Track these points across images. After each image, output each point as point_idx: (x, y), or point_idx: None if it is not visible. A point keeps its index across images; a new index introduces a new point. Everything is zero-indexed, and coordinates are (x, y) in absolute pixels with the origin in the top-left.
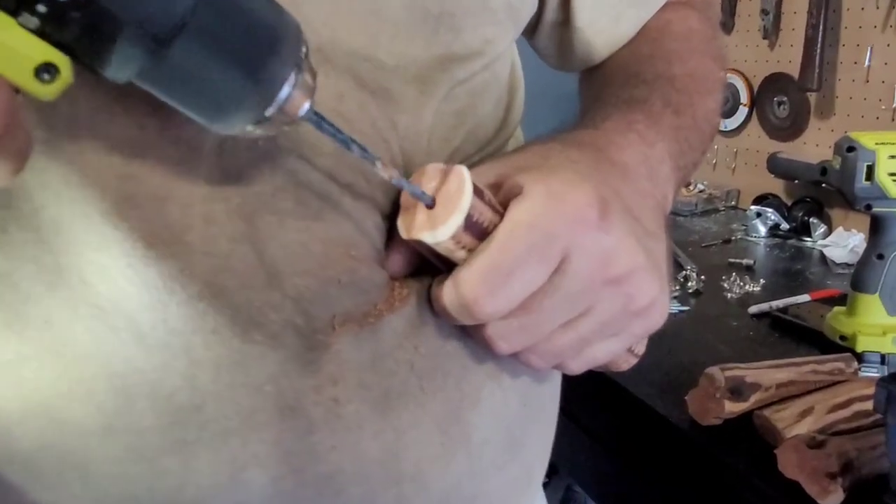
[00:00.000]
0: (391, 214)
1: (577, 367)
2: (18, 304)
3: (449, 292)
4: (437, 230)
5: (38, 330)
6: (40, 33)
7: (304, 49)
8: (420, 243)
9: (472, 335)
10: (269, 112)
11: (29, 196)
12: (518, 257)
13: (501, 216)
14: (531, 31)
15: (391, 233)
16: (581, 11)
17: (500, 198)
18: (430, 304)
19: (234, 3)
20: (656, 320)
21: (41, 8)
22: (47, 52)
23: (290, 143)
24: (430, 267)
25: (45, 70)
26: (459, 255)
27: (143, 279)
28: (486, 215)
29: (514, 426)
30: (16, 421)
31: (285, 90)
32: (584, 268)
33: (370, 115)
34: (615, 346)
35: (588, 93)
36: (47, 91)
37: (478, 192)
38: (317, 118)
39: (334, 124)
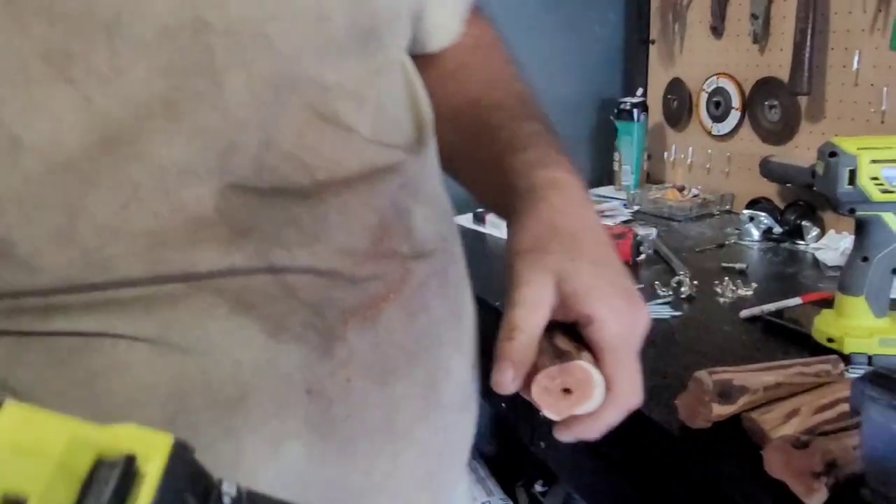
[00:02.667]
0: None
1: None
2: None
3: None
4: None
5: (104, 353)
6: None
7: None
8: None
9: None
10: None
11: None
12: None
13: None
14: None
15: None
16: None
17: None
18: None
19: None
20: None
21: None
22: None
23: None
24: None
25: None
26: None
27: (187, 306)
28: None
29: (467, 386)
30: None
31: None
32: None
33: (327, 141)
34: None
35: (471, 137)
36: None
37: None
38: None
39: None
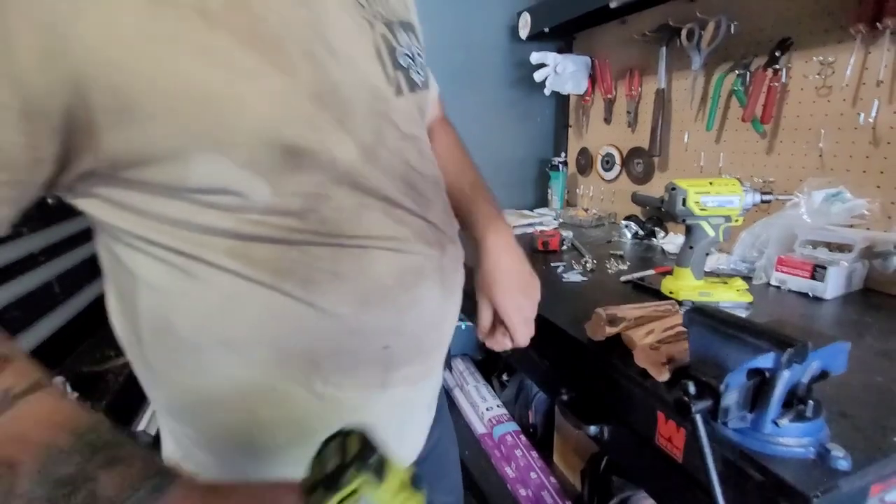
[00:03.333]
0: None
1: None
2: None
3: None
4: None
5: (373, 255)
6: None
7: None
8: None
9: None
10: None
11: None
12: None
13: None
14: None
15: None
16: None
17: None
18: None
19: None
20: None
21: None
22: None
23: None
24: None
25: None
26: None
27: (404, 234)
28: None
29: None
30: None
31: None
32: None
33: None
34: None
35: (457, 195)
36: None
37: None
38: None
39: None
